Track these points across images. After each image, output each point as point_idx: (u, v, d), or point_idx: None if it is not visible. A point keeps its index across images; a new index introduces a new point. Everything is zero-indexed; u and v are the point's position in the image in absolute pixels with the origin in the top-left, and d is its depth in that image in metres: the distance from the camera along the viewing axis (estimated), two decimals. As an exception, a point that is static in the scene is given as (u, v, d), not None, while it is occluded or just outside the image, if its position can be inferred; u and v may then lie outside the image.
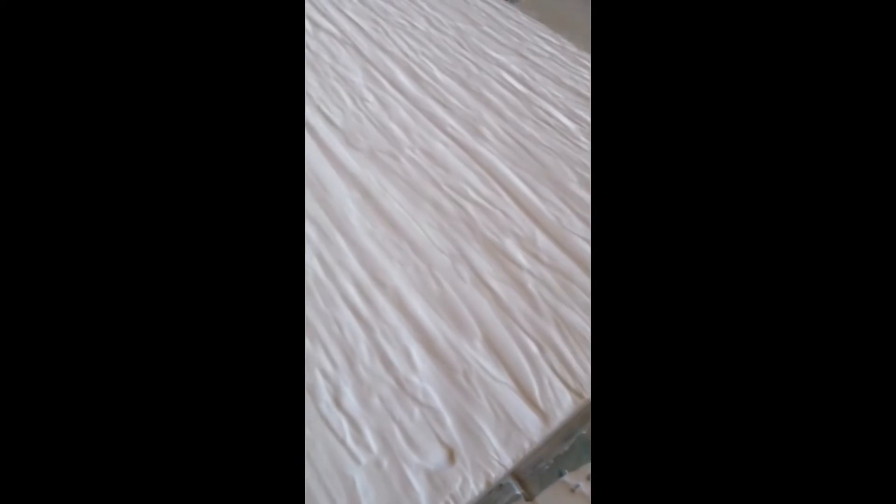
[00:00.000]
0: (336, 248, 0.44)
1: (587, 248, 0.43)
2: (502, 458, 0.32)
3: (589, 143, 0.53)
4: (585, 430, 0.35)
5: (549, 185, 0.49)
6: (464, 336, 0.38)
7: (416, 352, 0.37)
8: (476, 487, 0.31)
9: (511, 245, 0.44)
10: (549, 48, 0.66)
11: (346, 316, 0.39)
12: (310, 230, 0.46)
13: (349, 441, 0.33)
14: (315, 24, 0.73)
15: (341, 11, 0.76)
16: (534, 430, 0.33)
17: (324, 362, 0.37)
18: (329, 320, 0.39)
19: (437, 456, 0.32)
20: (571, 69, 0.63)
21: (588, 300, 0.40)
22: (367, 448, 0.33)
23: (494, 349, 0.37)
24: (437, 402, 0.35)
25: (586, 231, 0.44)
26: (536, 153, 0.52)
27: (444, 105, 0.59)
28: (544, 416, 0.34)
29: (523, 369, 0.36)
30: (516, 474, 0.34)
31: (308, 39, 0.70)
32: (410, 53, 0.67)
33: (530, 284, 0.41)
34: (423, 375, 0.36)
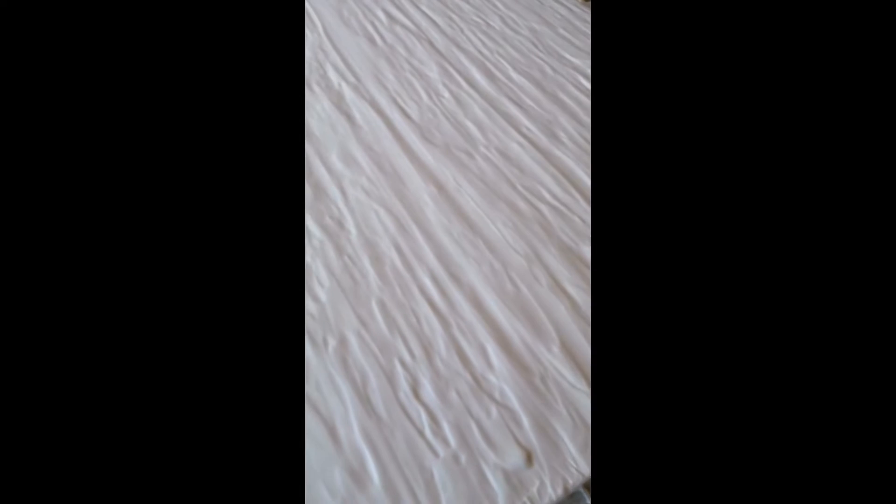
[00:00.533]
0: (413, 241, 0.45)
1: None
2: (580, 466, 0.32)
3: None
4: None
5: (627, 193, 0.48)
6: (540, 340, 0.38)
7: (493, 350, 0.37)
8: (553, 492, 0.31)
9: (587, 251, 0.43)
10: (626, 55, 0.65)
11: (424, 308, 0.40)
12: (387, 220, 0.46)
13: (427, 433, 0.33)
14: (390, 17, 0.74)
15: (416, 6, 0.76)
16: (611, 441, 0.33)
17: (402, 351, 0.37)
18: (407, 311, 0.40)
19: (514, 456, 0.32)
20: (650, 77, 0.62)
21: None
22: (445, 441, 0.33)
23: (572, 355, 0.37)
24: (514, 402, 0.35)
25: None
26: (613, 160, 0.52)
27: (520, 105, 0.58)
28: (622, 428, 0.33)
29: (601, 378, 0.36)
30: (587, 483, 0.34)
31: (383, 31, 0.71)
32: (485, 52, 0.67)
33: (607, 293, 0.40)
34: (499, 375, 0.36)
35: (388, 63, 0.65)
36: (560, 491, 0.31)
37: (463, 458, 0.32)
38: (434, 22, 0.72)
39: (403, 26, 0.72)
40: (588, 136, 0.54)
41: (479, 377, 0.36)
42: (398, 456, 0.32)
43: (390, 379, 0.36)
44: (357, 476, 0.32)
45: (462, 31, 0.71)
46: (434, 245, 0.44)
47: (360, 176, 0.51)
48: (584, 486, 0.34)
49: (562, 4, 0.75)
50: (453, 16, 0.74)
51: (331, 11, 0.76)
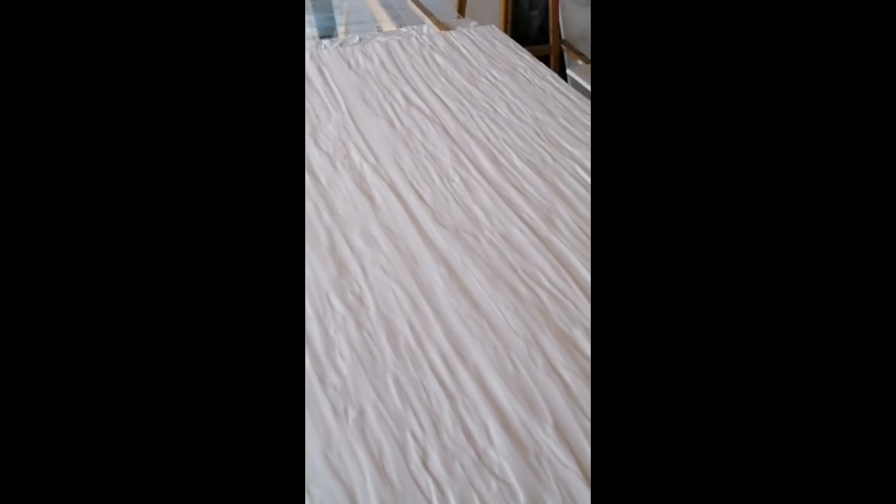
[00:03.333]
0: (424, 318, 0.50)
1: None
2: (568, 539, 0.36)
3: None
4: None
5: (616, 282, 0.54)
6: (536, 419, 0.43)
7: (494, 428, 0.42)
8: (544, 562, 0.35)
9: (580, 337, 0.49)
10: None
11: (433, 384, 0.45)
12: (403, 298, 0.52)
13: (435, 502, 0.38)
14: (408, 100, 0.82)
15: (431, 90, 0.84)
16: (595, 516, 0.38)
17: (413, 425, 0.42)
18: (418, 386, 0.45)
19: (510, 528, 0.37)
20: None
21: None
22: (450, 512, 0.37)
23: (564, 436, 0.42)
24: (512, 478, 0.39)
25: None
26: (604, 250, 0.58)
27: (522, 192, 0.65)
28: (605, 505, 0.38)
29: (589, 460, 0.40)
30: (573, 553, 0.38)
31: (401, 114, 0.79)
32: (492, 138, 0.74)
33: (596, 377, 0.46)
34: (499, 451, 0.41)
35: (405, 146, 0.72)
36: (550, 562, 0.36)
37: (465, 527, 0.37)
38: (447, 107, 0.80)
39: (419, 110, 0.80)
40: (584, 225, 0.61)
41: (482, 452, 0.41)
42: (409, 524, 0.37)
43: (403, 450, 0.41)
44: (372, 541, 0.36)
45: (472, 116, 0.79)
46: (443, 324, 0.50)
47: (379, 255, 0.57)
48: (571, 556, 0.38)
49: (564, 95, 0.84)
50: (464, 101, 0.82)
51: (354, 92, 0.84)
